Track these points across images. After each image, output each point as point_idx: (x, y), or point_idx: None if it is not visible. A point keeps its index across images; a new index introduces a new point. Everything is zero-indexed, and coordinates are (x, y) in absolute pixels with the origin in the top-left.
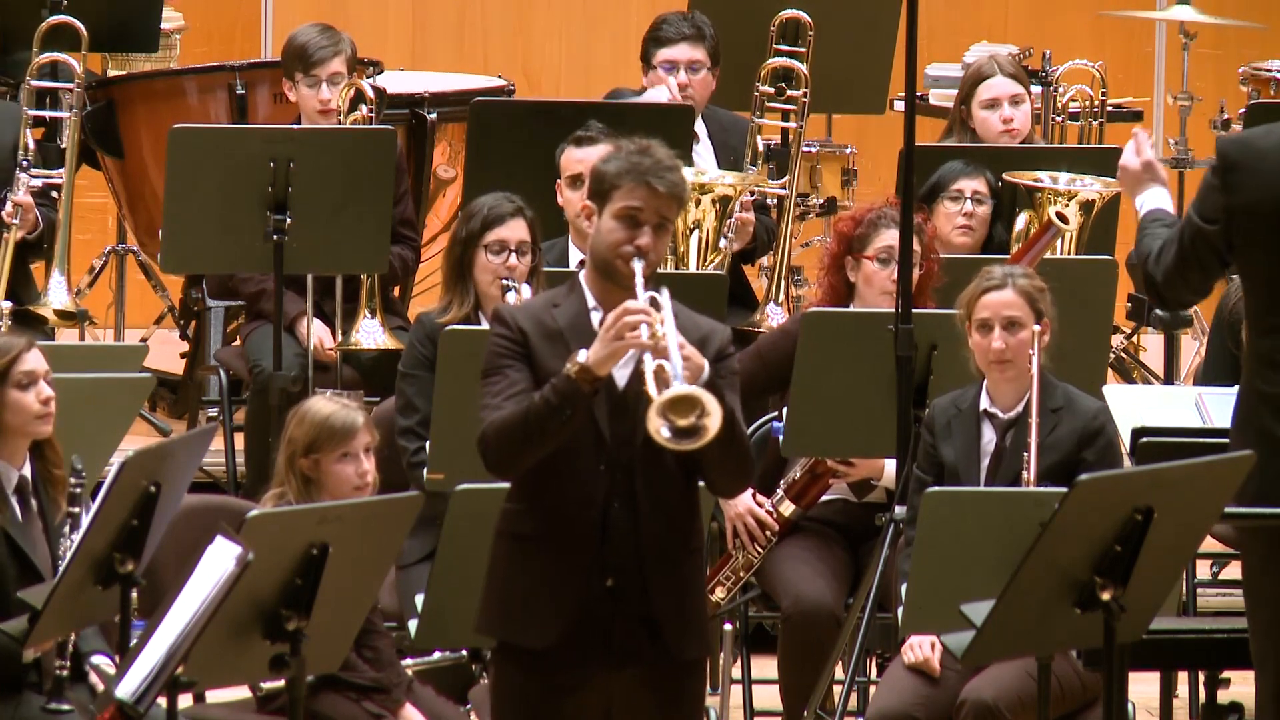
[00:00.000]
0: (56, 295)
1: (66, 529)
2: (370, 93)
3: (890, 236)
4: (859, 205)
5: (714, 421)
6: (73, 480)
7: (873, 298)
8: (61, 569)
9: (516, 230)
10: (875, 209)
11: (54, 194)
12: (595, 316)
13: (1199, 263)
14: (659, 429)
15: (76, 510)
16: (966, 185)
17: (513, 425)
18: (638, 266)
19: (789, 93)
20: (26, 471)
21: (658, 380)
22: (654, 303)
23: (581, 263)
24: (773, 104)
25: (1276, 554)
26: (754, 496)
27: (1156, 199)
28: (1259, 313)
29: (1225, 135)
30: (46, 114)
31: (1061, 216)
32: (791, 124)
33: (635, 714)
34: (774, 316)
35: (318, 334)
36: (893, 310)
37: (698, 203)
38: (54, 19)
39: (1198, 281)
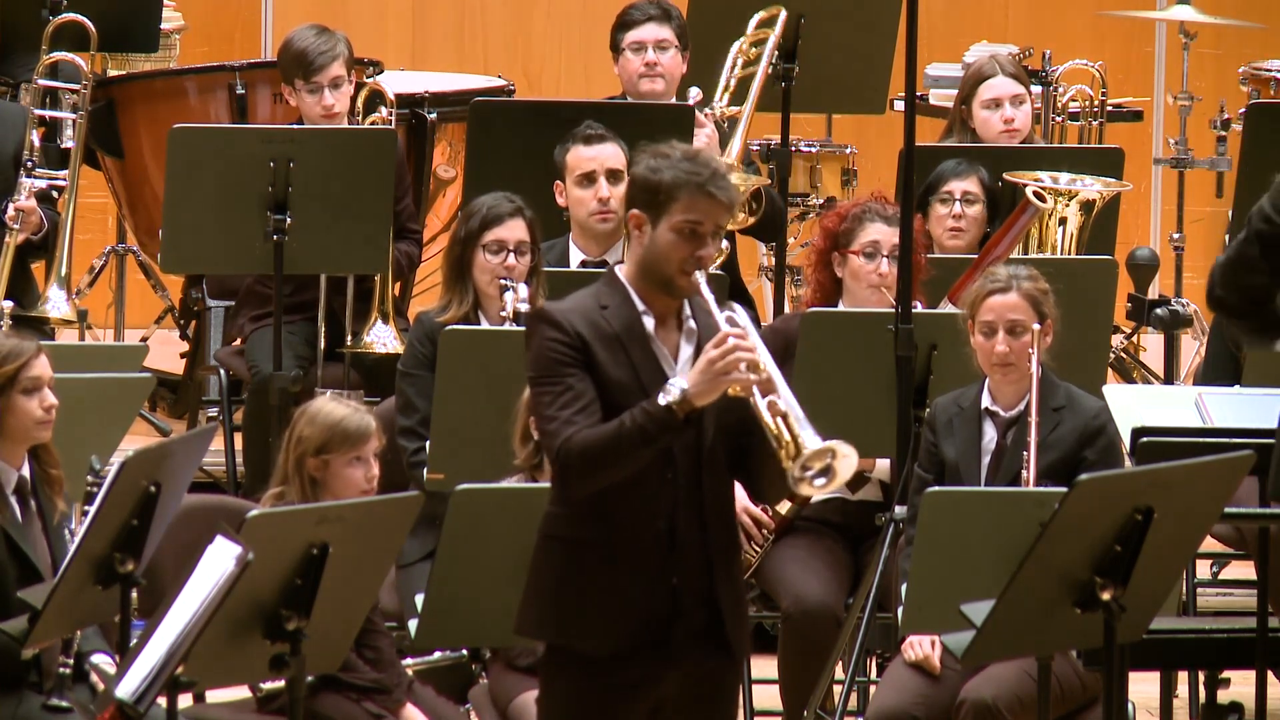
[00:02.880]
0: (56, 304)
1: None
2: (390, 94)
3: (874, 230)
4: (844, 202)
5: (845, 465)
6: (90, 479)
7: (859, 292)
8: (61, 569)
9: (515, 230)
10: (860, 204)
11: (55, 194)
12: (648, 321)
13: (1265, 256)
14: (811, 483)
15: (99, 506)
16: (956, 187)
17: (602, 448)
18: (702, 279)
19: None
20: (25, 472)
21: (773, 413)
22: (730, 321)
23: (583, 262)
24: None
25: None
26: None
27: None
28: None
29: None
30: (48, 114)
31: (1039, 195)
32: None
33: (682, 711)
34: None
35: None
36: (886, 307)
37: None
38: (61, 18)
39: (1247, 277)
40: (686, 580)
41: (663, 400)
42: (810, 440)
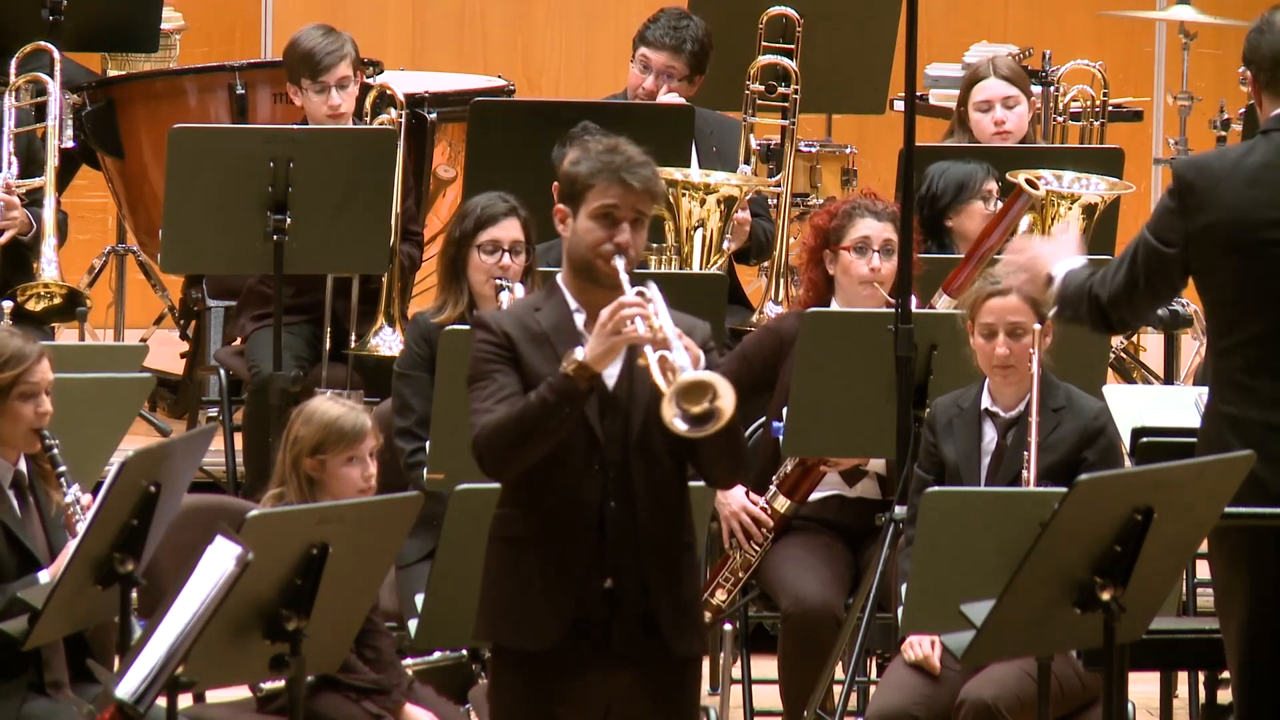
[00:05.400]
0: (48, 269)
1: (63, 484)
2: (400, 95)
3: (865, 226)
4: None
5: (727, 402)
6: (47, 441)
7: (851, 288)
8: (62, 569)
9: (510, 230)
10: (849, 200)
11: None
12: (579, 319)
13: (1149, 285)
14: (673, 419)
15: (63, 469)
16: (994, 186)
17: (509, 426)
18: (620, 263)
19: (780, 89)
20: (22, 466)
21: (663, 369)
22: (642, 296)
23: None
24: (765, 102)
25: (1250, 556)
26: (747, 494)
27: (1069, 264)
28: (1218, 333)
29: (1181, 158)
30: (33, 127)
31: (1030, 183)
32: (783, 121)
33: (634, 714)
34: (773, 315)
35: None
36: (878, 303)
37: (702, 202)
38: (29, 45)
39: (1146, 303)
40: (621, 578)
41: (562, 368)
42: (687, 375)
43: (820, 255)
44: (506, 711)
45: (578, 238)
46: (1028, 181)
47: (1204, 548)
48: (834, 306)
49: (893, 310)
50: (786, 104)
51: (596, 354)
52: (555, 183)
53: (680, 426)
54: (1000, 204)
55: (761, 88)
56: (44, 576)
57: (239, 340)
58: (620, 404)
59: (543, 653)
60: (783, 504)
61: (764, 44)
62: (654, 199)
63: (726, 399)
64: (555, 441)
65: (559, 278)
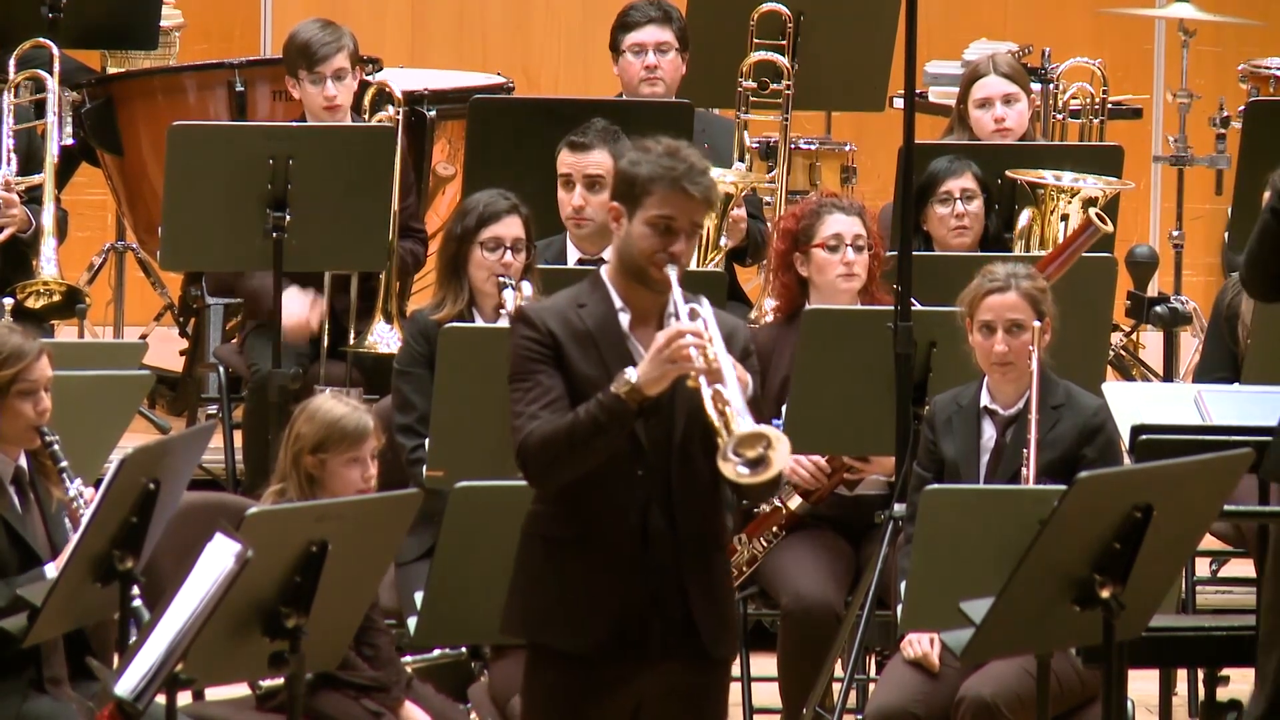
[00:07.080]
0: (47, 267)
1: (65, 479)
2: (398, 93)
3: (835, 223)
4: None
5: (780, 455)
6: (46, 438)
7: (827, 286)
8: (61, 567)
9: (511, 227)
10: (815, 200)
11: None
12: (624, 318)
13: (1270, 255)
14: (733, 470)
15: (64, 464)
16: (954, 185)
17: (557, 440)
18: (673, 274)
19: (772, 86)
20: (23, 463)
21: (716, 404)
22: (693, 314)
23: (580, 260)
24: (758, 99)
25: None
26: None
27: None
28: None
29: None
30: (32, 124)
31: (1102, 218)
32: (777, 117)
33: (664, 714)
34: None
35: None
36: (856, 300)
37: None
38: (28, 42)
39: (1265, 272)
40: (661, 576)
41: (614, 389)
42: (743, 425)
43: (790, 259)
44: (539, 709)
45: (631, 241)
46: (1099, 215)
47: (1203, 545)
48: (809, 307)
49: (890, 307)
50: (779, 101)
51: (650, 378)
52: (557, 177)
53: (739, 474)
54: (963, 204)
55: (754, 84)
56: (50, 570)
57: (242, 333)
58: (664, 410)
59: (581, 654)
60: (796, 503)
61: (755, 40)
62: (710, 207)
63: (780, 449)
64: (602, 458)
65: (604, 272)
